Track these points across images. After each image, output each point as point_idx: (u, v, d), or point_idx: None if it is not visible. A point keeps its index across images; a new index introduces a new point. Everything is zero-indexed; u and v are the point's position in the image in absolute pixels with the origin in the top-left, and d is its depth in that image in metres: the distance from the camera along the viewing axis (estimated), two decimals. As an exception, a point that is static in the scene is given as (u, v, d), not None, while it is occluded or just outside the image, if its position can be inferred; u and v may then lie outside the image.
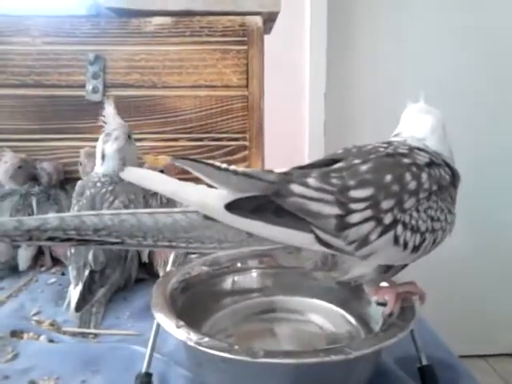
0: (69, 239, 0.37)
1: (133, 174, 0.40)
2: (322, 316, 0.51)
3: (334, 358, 0.35)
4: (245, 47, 0.83)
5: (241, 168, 0.39)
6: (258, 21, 0.83)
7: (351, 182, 0.39)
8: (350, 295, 0.51)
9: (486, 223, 1.73)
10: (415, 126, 0.48)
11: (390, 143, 0.44)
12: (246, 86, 0.84)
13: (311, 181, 0.38)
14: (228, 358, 0.36)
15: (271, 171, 0.40)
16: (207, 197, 0.38)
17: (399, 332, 0.39)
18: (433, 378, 0.45)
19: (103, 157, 0.69)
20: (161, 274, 0.69)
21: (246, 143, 0.86)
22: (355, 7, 1.60)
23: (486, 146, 1.69)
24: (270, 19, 0.89)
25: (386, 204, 0.38)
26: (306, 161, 1.51)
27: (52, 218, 0.37)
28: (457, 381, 0.48)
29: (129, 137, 0.70)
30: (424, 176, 0.40)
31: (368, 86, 1.63)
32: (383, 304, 0.45)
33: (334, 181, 0.39)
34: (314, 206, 0.37)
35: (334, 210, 0.37)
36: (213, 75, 0.84)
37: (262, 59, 0.85)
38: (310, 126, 1.59)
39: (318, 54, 1.54)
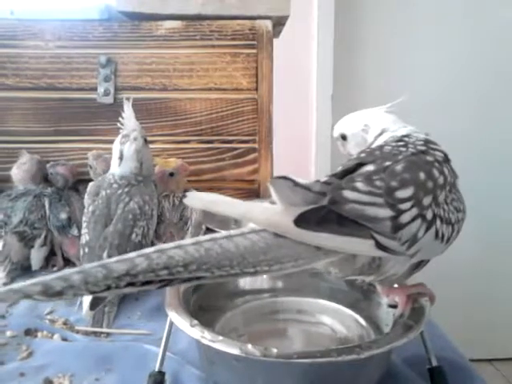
0: (149, 282, 0.34)
1: (199, 199, 0.39)
2: (332, 317, 0.52)
3: (345, 357, 0.35)
4: (254, 51, 0.84)
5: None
6: (267, 25, 0.84)
7: (394, 183, 0.39)
8: (359, 297, 0.52)
9: (495, 226, 1.72)
10: (390, 122, 0.50)
11: (403, 141, 0.45)
12: (256, 89, 0.85)
13: (360, 185, 0.39)
14: (242, 357, 0.36)
15: (318, 181, 0.40)
16: (275, 215, 0.37)
17: (410, 333, 0.39)
18: (443, 379, 0.45)
19: (121, 157, 0.70)
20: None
21: (256, 145, 0.87)
22: (362, 9, 1.61)
23: (493, 144, 1.69)
24: (279, 23, 0.90)
25: (426, 201, 0.40)
26: (313, 163, 1.51)
27: (138, 258, 0.34)
28: (467, 383, 0.48)
29: (145, 140, 0.71)
30: (446, 171, 0.43)
31: (375, 88, 1.63)
32: (394, 306, 0.46)
33: (378, 183, 0.39)
34: (371, 211, 0.37)
35: (388, 213, 0.38)
36: (223, 78, 0.85)
37: (271, 62, 0.85)
38: (317, 127, 1.59)
39: (324, 56, 1.55)
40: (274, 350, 0.36)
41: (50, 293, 0.32)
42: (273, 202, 0.38)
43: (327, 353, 0.36)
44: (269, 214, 0.37)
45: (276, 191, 0.37)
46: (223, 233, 0.37)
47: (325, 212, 0.37)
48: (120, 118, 0.71)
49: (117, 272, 0.33)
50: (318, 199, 0.37)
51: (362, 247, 0.37)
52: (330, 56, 1.55)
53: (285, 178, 0.37)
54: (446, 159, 0.45)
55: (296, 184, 0.37)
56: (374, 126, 0.50)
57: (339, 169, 0.43)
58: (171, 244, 0.35)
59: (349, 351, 0.36)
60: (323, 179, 0.40)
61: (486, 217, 1.65)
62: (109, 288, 0.33)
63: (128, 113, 0.71)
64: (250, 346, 0.36)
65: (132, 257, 0.34)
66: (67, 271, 0.33)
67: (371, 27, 1.62)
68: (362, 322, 0.50)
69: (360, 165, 0.42)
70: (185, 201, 0.38)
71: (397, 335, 0.39)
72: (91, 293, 0.33)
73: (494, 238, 1.73)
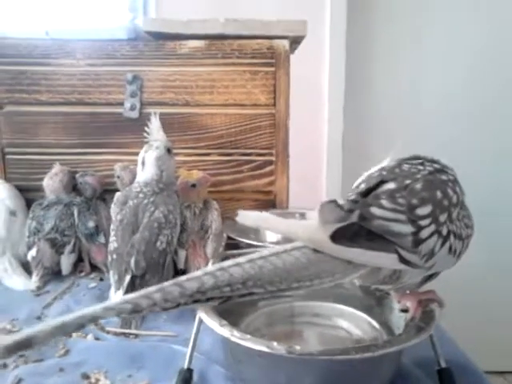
0: (211, 298, 0.38)
1: (249, 217, 0.43)
2: (348, 321, 0.56)
3: (363, 355, 0.39)
4: (272, 69, 0.89)
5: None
6: (285, 44, 0.89)
7: (414, 201, 0.43)
8: (373, 302, 0.56)
9: (503, 235, 1.74)
10: None
11: (419, 158, 0.49)
12: (274, 105, 0.89)
13: (385, 202, 0.42)
14: (267, 354, 0.40)
15: (347, 200, 0.43)
16: (313, 231, 0.40)
17: (421, 334, 0.43)
18: (451, 380, 0.49)
19: (143, 164, 0.76)
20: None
21: (273, 158, 0.91)
22: (374, 24, 1.65)
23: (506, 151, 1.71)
24: (295, 41, 0.94)
25: (442, 218, 0.43)
26: (325, 173, 1.54)
27: (205, 276, 0.38)
28: (474, 384, 0.51)
29: (168, 150, 0.76)
30: (458, 189, 0.46)
31: (386, 100, 1.67)
32: (406, 311, 0.49)
33: (401, 200, 0.42)
34: (396, 227, 0.41)
35: (410, 229, 0.41)
36: (242, 95, 0.89)
37: (288, 79, 0.90)
38: (328, 138, 1.63)
39: (336, 68, 1.59)
40: (298, 348, 0.39)
41: (137, 310, 0.35)
42: (307, 219, 0.42)
43: (346, 351, 0.39)
44: (308, 231, 0.41)
45: (320, 212, 0.41)
46: (270, 250, 0.41)
47: (356, 228, 0.41)
48: (147, 129, 0.77)
49: (190, 290, 0.37)
50: (348, 216, 0.41)
51: (388, 261, 0.41)
52: (342, 69, 1.60)
53: (331, 201, 0.41)
54: (456, 179, 0.48)
55: (337, 205, 0.42)
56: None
57: (362, 186, 0.46)
58: (229, 262, 0.39)
59: (366, 349, 0.39)
60: (351, 197, 0.44)
61: (494, 226, 1.67)
62: (179, 305, 0.37)
63: (154, 125, 0.77)
64: (275, 344, 0.40)
65: (199, 275, 0.38)
66: (148, 290, 0.36)
67: (382, 41, 1.66)
68: (376, 325, 0.54)
69: (381, 182, 0.45)
70: (236, 218, 0.42)
71: (409, 336, 0.42)
72: (164, 309, 0.37)
73: (503, 249, 1.74)
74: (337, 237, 0.40)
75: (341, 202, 0.42)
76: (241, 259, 0.39)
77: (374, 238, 0.41)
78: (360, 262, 0.41)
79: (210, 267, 0.39)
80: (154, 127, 0.77)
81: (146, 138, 0.78)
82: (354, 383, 0.44)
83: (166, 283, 0.37)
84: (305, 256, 0.40)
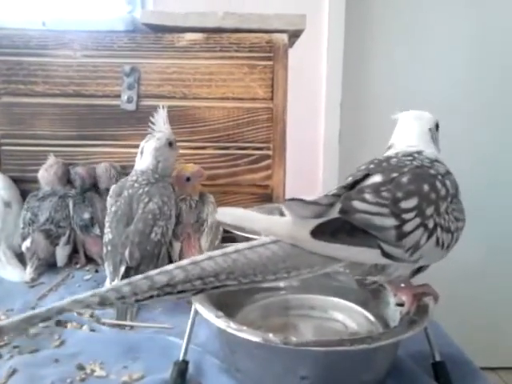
0: (184, 291, 0.39)
1: (228, 215, 0.43)
2: (344, 313, 0.56)
3: (357, 346, 0.39)
4: (271, 62, 0.89)
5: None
6: (283, 38, 0.89)
7: (399, 194, 0.42)
8: (369, 296, 0.56)
9: (500, 235, 1.75)
10: (405, 136, 0.52)
11: (412, 156, 0.48)
12: (271, 99, 0.89)
13: (368, 196, 0.42)
14: (263, 345, 0.40)
15: (326, 195, 0.43)
16: (293, 228, 0.40)
17: (415, 327, 0.43)
18: (445, 373, 0.49)
19: (142, 153, 0.76)
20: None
21: (270, 152, 0.91)
22: (372, 19, 1.65)
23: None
24: (294, 35, 0.94)
25: (428, 211, 0.43)
26: (321, 168, 1.54)
27: (175, 270, 0.38)
28: (468, 377, 0.52)
29: (170, 143, 0.76)
30: (448, 183, 0.46)
31: (383, 96, 1.67)
32: (401, 305, 0.49)
33: (385, 194, 0.42)
34: (378, 220, 0.41)
35: (392, 222, 0.41)
36: (240, 88, 0.89)
37: (286, 74, 0.90)
38: (325, 134, 1.63)
39: (334, 63, 1.59)
40: (294, 339, 0.40)
41: (105, 303, 0.37)
42: (283, 214, 0.41)
43: (341, 342, 0.40)
44: (288, 227, 0.40)
45: (290, 210, 0.41)
46: (246, 244, 0.41)
47: (337, 224, 0.40)
48: (152, 119, 0.78)
49: (159, 283, 0.38)
50: (327, 210, 0.41)
51: (370, 256, 0.41)
52: (340, 63, 1.60)
53: (295, 199, 0.41)
54: (448, 172, 0.48)
55: (306, 202, 0.41)
56: (392, 137, 0.54)
57: (349, 179, 0.46)
58: (203, 256, 0.40)
59: (361, 341, 0.40)
60: (332, 192, 0.44)
61: (492, 226, 1.68)
62: (151, 297, 0.38)
63: (161, 117, 0.77)
64: (271, 335, 0.40)
65: (170, 269, 0.39)
66: (118, 284, 0.38)
67: (381, 35, 1.66)
68: (372, 318, 0.54)
69: (368, 175, 0.45)
70: (216, 216, 0.42)
71: (403, 329, 0.43)
72: (137, 301, 0.38)
73: (499, 246, 1.75)
74: (318, 232, 0.40)
75: (310, 198, 0.42)
76: (215, 253, 0.40)
77: (356, 233, 0.40)
78: (342, 257, 0.41)
79: (183, 261, 0.39)
80: (160, 119, 0.77)
81: (149, 129, 0.78)
82: (349, 375, 0.44)
83: (136, 277, 0.38)
84: (282, 250, 0.40)
